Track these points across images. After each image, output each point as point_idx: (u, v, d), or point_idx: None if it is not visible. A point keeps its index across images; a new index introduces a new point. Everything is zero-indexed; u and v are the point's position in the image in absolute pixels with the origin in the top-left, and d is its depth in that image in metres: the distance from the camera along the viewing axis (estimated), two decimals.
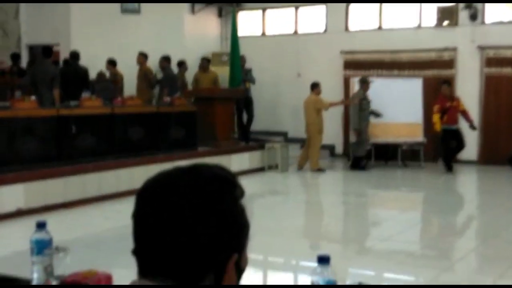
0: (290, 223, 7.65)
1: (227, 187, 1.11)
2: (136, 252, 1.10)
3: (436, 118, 11.19)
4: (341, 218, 8.55)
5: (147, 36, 13.17)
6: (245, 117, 12.66)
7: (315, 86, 11.69)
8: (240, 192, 1.13)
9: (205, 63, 12.60)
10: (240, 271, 1.13)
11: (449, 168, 11.30)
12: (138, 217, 1.10)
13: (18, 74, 11.07)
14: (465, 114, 11.39)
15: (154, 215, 1.07)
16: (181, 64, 12.76)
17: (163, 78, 12.24)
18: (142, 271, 1.09)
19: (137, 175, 8.73)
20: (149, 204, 1.08)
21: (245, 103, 12.47)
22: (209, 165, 1.15)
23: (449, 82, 11.65)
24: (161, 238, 1.06)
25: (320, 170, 11.45)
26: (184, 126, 10.55)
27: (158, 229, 1.06)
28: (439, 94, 11.42)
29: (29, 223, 6.87)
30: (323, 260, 1.46)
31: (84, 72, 10.75)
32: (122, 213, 7.62)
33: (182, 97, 11.35)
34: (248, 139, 12.41)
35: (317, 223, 8.10)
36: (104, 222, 7.67)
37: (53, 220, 7.11)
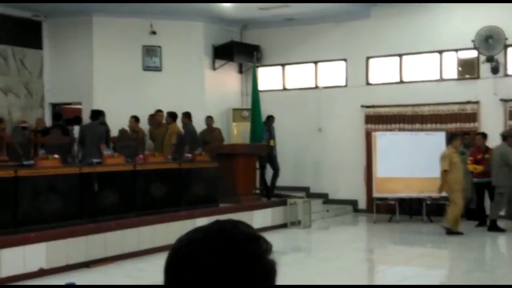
0: (314, 281, 7.47)
1: (259, 243, 1.12)
2: None
3: (471, 167, 11.22)
4: (364, 275, 8.35)
5: (168, 93, 13.33)
6: (269, 172, 12.58)
7: (452, 139, 10.84)
8: (270, 247, 1.14)
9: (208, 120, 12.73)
10: None
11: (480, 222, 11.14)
12: (174, 274, 1.10)
13: (42, 133, 11.18)
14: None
15: (192, 274, 1.07)
16: (209, 119, 12.81)
17: (184, 134, 12.29)
18: None
19: (159, 233, 8.66)
20: (185, 262, 1.09)
21: (270, 160, 12.46)
22: (235, 222, 1.16)
23: (483, 133, 11.54)
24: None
25: (451, 232, 10.43)
26: (205, 182, 10.52)
27: (199, 284, 1.07)
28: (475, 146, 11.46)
29: (52, 282, 6.82)
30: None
31: (101, 130, 10.85)
32: (144, 272, 7.54)
33: (203, 153, 11.35)
34: (272, 194, 12.31)
35: (341, 281, 7.91)
36: (126, 281, 7.55)
37: (75, 280, 7.04)
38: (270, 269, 1.12)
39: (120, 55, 13.21)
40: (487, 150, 11.24)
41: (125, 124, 12.24)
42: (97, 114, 10.94)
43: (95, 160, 9.25)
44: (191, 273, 1.08)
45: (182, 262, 1.10)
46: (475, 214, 11.31)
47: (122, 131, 11.94)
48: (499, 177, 10.66)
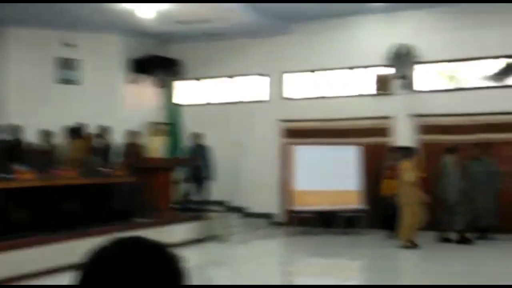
0: None
1: (168, 253, 1.16)
2: None
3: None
4: None
5: (85, 106, 13.06)
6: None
7: (409, 152, 10.73)
8: (181, 261, 1.18)
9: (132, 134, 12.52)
10: None
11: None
12: (88, 285, 1.11)
13: None
14: None
15: (107, 284, 1.09)
16: (133, 134, 12.55)
17: (101, 148, 12.05)
18: None
19: (75, 249, 8.41)
20: (98, 275, 1.10)
21: (197, 179, 12.62)
22: (141, 237, 1.19)
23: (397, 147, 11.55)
24: None
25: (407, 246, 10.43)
26: (122, 197, 10.33)
27: None
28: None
29: None
30: None
31: (12, 144, 10.40)
32: None
33: (121, 167, 11.16)
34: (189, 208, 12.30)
35: None
36: None
37: None
38: (180, 273, 1.17)
39: (36, 68, 12.85)
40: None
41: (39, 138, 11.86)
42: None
43: (6, 176, 8.90)
44: (104, 283, 1.09)
45: (94, 273, 1.11)
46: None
47: (35, 145, 11.54)
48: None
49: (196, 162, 12.51)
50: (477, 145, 11.62)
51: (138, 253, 1.13)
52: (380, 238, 11.60)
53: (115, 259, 1.11)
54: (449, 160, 10.98)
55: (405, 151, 10.64)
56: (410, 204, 10.30)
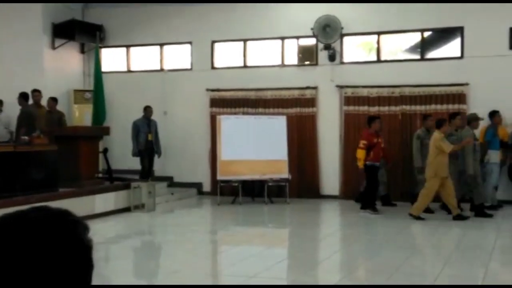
0: (157, 264, 7.46)
1: (74, 221, 1.13)
2: None
3: (361, 153, 10.73)
4: (207, 256, 8.48)
5: (2, 72, 12.56)
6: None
7: (442, 123, 10.22)
8: (86, 227, 1.14)
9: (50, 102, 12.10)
10: None
11: (373, 208, 10.86)
12: None
13: None
14: (385, 151, 11.21)
15: (3, 256, 1.05)
16: (54, 100, 12.15)
17: (20, 116, 11.64)
18: None
19: None
20: None
21: (149, 155, 12.54)
22: (50, 207, 1.15)
23: (379, 117, 11.32)
24: (12, 277, 1.04)
25: (419, 218, 10.08)
26: (44, 166, 10.05)
27: (10, 269, 1.04)
28: (365, 129, 11.11)
29: None
30: None
31: None
32: None
33: (42, 135, 10.83)
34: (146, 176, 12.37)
35: (184, 263, 7.96)
36: None
37: None
38: (88, 246, 1.13)
39: None
40: (378, 134, 11.05)
41: None
42: None
43: None
44: (4, 254, 1.05)
45: None
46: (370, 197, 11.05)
47: None
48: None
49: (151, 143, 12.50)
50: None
51: (37, 223, 1.09)
52: (304, 207, 11.84)
53: (16, 229, 1.08)
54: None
55: (438, 122, 10.29)
56: (442, 176, 9.93)
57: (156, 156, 12.75)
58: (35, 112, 11.40)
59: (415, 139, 11.10)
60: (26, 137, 10.29)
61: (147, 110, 12.71)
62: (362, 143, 10.79)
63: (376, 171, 10.98)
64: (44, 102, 11.96)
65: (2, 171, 9.30)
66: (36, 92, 11.74)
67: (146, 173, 12.48)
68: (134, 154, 12.57)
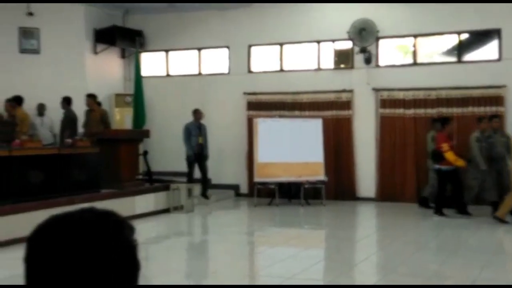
0: (195, 264, 7.64)
1: (120, 222, 1.15)
2: None
3: (451, 155, 10.39)
4: (244, 257, 8.63)
5: (47, 76, 12.94)
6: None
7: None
8: (131, 228, 1.17)
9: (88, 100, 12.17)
10: None
11: (440, 212, 10.66)
12: (34, 260, 1.11)
13: None
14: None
15: (52, 257, 1.08)
16: (91, 97, 12.40)
17: (63, 119, 12.03)
18: None
19: (37, 220, 8.42)
20: (45, 246, 1.10)
21: (199, 159, 12.44)
22: (97, 208, 1.19)
23: (452, 118, 11.28)
24: (61, 277, 1.07)
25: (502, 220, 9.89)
26: (86, 168, 10.36)
27: (59, 269, 1.07)
28: (439, 133, 10.84)
29: None
30: None
31: None
32: (20, 261, 7.33)
33: (84, 138, 11.16)
34: (205, 195, 12.46)
35: (221, 264, 8.13)
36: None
37: None
38: (133, 246, 1.16)
39: None
40: (452, 137, 11.02)
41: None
42: None
43: None
44: (52, 256, 1.09)
45: (42, 246, 1.11)
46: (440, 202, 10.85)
47: None
48: None
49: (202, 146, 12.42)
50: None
51: (85, 224, 1.11)
52: (340, 209, 11.92)
53: (63, 230, 1.10)
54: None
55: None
56: None
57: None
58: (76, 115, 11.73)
59: (474, 141, 10.84)
60: (69, 140, 10.62)
61: (197, 113, 12.66)
62: (445, 146, 10.41)
63: (454, 175, 10.59)
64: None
65: (46, 172, 9.62)
66: (87, 97, 12.05)
67: (203, 181, 12.43)
68: (189, 157, 12.44)
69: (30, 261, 1.12)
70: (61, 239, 1.09)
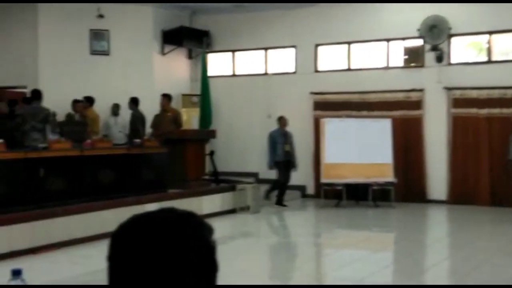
0: (262, 265, 7.58)
1: (199, 223, 1.17)
2: None
3: None
4: (313, 259, 8.50)
5: (116, 77, 13.19)
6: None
7: None
8: (210, 229, 1.18)
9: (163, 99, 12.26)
10: None
11: None
12: (117, 259, 1.13)
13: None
14: None
15: (134, 256, 1.10)
16: (166, 96, 12.46)
17: (132, 119, 12.22)
18: None
19: (107, 219, 8.59)
20: (128, 246, 1.12)
21: (286, 166, 12.09)
22: (177, 208, 1.20)
23: None
24: (143, 277, 1.09)
25: None
26: (154, 168, 10.47)
27: (141, 268, 1.09)
28: None
29: None
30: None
31: (45, 113, 10.31)
32: (91, 258, 7.47)
33: (153, 138, 11.29)
34: (281, 203, 12.08)
35: (289, 265, 8.03)
36: (72, 268, 7.48)
37: (20, 266, 6.92)
38: (212, 247, 1.16)
39: (67, 39, 12.96)
40: None
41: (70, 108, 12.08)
42: (39, 95, 9.92)
43: (40, 145, 9.09)
44: (135, 255, 1.10)
45: (125, 245, 1.12)
46: None
47: (68, 115, 11.75)
48: None
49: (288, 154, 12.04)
50: None
51: (169, 223, 1.13)
52: (410, 211, 11.61)
53: (146, 230, 1.12)
54: None
55: None
56: None
57: (293, 169, 12.25)
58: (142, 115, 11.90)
59: None
60: (138, 140, 10.77)
61: (282, 120, 12.27)
62: None
63: None
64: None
65: (116, 172, 9.77)
66: (162, 96, 12.19)
67: (281, 185, 12.14)
68: (270, 166, 12.10)
69: (113, 260, 1.14)
70: (143, 239, 1.11)
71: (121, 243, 1.13)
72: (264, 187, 12.55)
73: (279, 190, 12.16)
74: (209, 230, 1.17)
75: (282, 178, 12.05)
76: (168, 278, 1.08)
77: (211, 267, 1.15)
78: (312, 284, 6.84)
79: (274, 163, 12.04)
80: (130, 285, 1.10)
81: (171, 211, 1.17)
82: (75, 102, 11.79)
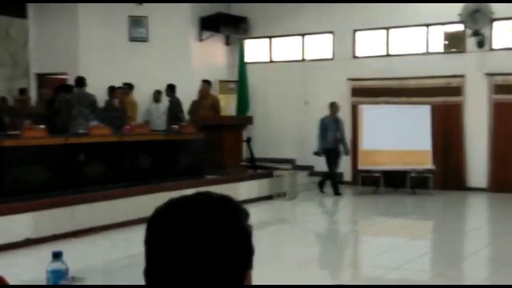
0: (299, 251, 7.59)
1: (236, 207, 1.17)
2: (151, 274, 1.14)
3: None
4: (350, 246, 8.48)
5: (154, 63, 13.28)
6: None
7: None
8: (246, 213, 1.19)
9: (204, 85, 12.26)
10: None
11: None
12: (154, 242, 1.14)
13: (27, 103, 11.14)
14: None
15: (171, 239, 1.11)
16: (207, 82, 12.46)
17: (169, 106, 12.32)
18: None
19: (145, 203, 8.69)
20: (165, 229, 1.12)
21: (335, 154, 11.94)
22: (213, 192, 1.21)
23: None
24: (180, 260, 1.09)
25: None
26: (192, 154, 10.55)
27: (178, 252, 1.10)
28: None
29: (38, 252, 6.86)
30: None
31: (91, 99, 10.53)
32: (131, 242, 7.59)
33: (190, 124, 11.36)
34: (337, 192, 11.90)
35: (326, 252, 8.03)
36: (113, 251, 7.62)
37: (62, 249, 7.08)
38: (248, 231, 1.17)
39: (106, 26, 13.08)
40: None
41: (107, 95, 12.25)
42: (83, 82, 10.33)
43: (81, 131, 9.24)
44: (171, 239, 1.11)
45: (161, 229, 1.13)
46: None
47: (108, 102, 11.90)
48: None
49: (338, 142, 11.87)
50: None
51: (205, 207, 1.14)
52: (449, 199, 11.46)
53: (181, 214, 1.13)
54: None
55: None
56: None
57: (343, 156, 12.12)
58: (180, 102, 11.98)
59: None
60: (176, 126, 10.86)
61: (333, 106, 12.04)
62: None
63: None
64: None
65: (154, 158, 9.88)
66: (203, 82, 12.24)
67: (331, 175, 12.00)
68: (317, 152, 11.90)
69: (150, 244, 1.14)
70: (179, 223, 1.11)
71: (157, 227, 1.14)
72: (301, 174, 12.53)
73: (331, 180, 11.94)
74: (245, 214, 1.17)
75: (332, 167, 11.85)
76: (204, 262, 1.09)
77: (247, 251, 1.15)
78: (349, 272, 6.84)
79: (324, 150, 11.85)
80: (167, 269, 1.11)
81: (207, 195, 1.17)
82: (112, 88, 11.93)
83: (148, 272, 1.15)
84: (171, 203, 1.16)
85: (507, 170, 11.95)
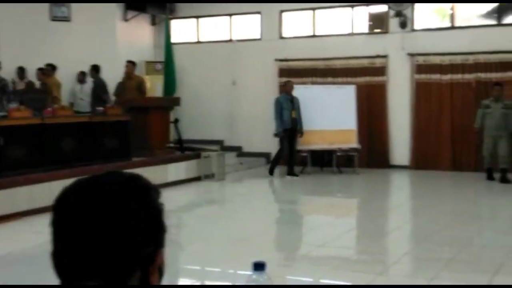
0: (227, 232, 7.61)
1: (146, 185, 1.15)
2: (59, 256, 1.10)
3: None
4: (276, 225, 8.57)
5: (78, 44, 12.92)
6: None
7: None
8: (157, 191, 1.16)
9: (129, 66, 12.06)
10: (161, 273, 1.15)
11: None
12: (60, 222, 1.10)
13: None
14: None
15: (79, 218, 1.07)
16: (132, 63, 12.28)
17: (93, 87, 12.04)
18: (68, 275, 1.09)
19: None
20: (71, 209, 1.09)
21: (290, 135, 11.63)
22: (123, 171, 1.18)
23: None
24: (87, 239, 1.06)
25: None
26: (117, 136, 10.36)
27: (85, 231, 1.06)
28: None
29: None
30: (259, 266, 1.46)
31: (3, 83, 10.11)
32: None
33: (116, 106, 11.15)
34: (293, 172, 11.68)
35: (254, 231, 8.08)
36: (35, 237, 7.39)
37: None
38: (160, 208, 1.15)
39: (25, 5, 12.60)
40: None
41: (32, 76, 11.82)
42: None
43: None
44: (77, 218, 1.08)
45: (68, 208, 1.10)
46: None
47: (28, 84, 11.51)
48: None
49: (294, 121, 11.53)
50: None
51: (114, 186, 1.11)
52: (374, 177, 11.76)
53: (89, 192, 1.10)
54: None
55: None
56: None
57: (298, 136, 11.79)
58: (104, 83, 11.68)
59: None
60: (101, 108, 10.63)
61: (288, 84, 11.81)
62: None
63: None
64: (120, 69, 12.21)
65: (78, 140, 9.65)
66: (128, 63, 11.98)
67: (289, 158, 11.67)
68: (278, 134, 11.61)
69: (56, 225, 1.11)
70: (88, 201, 1.08)
71: (65, 206, 1.10)
72: (229, 155, 12.53)
73: (289, 160, 11.71)
74: (156, 192, 1.15)
75: (286, 149, 11.63)
76: (114, 239, 1.06)
77: (159, 228, 1.13)
78: (276, 251, 6.91)
79: (283, 130, 11.53)
80: (74, 248, 1.07)
81: (117, 173, 1.15)
82: (22, 69, 11.56)
83: (55, 254, 1.11)
84: (79, 182, 1.13)
85: (428, 148, 12.35)
